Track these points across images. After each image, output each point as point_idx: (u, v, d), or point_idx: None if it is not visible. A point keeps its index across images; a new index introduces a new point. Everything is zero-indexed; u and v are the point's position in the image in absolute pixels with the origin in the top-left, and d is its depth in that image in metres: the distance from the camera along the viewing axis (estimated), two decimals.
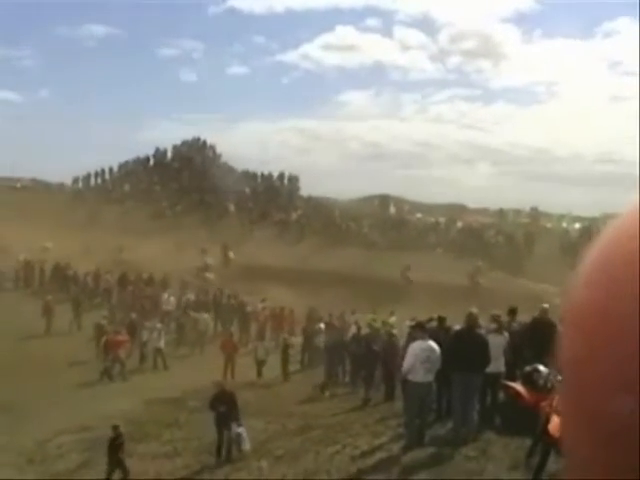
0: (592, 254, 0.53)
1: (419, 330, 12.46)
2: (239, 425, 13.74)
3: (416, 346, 11.88)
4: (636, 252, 0.48)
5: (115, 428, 12.95)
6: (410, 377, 11.73)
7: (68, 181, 60.61)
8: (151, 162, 60.51)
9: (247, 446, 13.59)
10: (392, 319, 23.03)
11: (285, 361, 21.52)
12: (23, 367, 20.34)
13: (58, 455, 14.33)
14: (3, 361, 20.40)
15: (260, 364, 21.88)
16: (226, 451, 13.51)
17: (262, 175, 58.60)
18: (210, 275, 36.08)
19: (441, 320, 14.28)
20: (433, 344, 11.83)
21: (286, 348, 21.84)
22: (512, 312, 13.82)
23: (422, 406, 11.78)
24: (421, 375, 11.57)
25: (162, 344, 23.92)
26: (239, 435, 13.58)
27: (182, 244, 39.41)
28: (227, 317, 28.56)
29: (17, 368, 20.29)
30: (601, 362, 0.49)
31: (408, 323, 19.05)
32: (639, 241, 0.49)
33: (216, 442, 13.66)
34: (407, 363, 11.75)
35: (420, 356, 11.58)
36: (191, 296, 30.44)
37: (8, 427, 16.46)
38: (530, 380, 10.64)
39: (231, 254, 40.10)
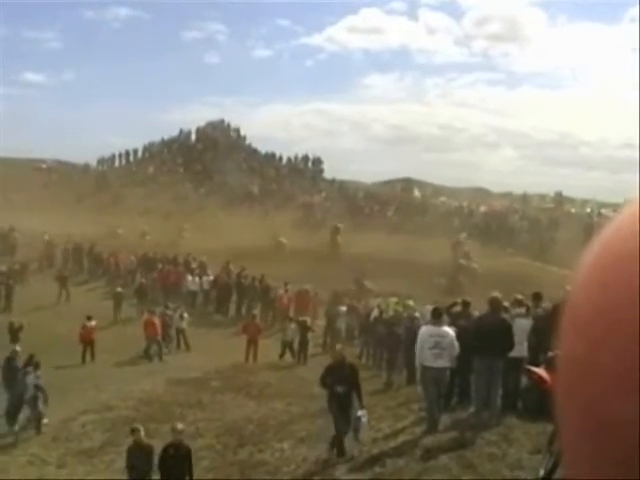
0: (589, 254, 0.53)
1: (432, 316, 12.41)
2: (361, 407, 11.56)
3: (423, 332, 11.90)
4: (633, 253, 0.48)
5: None
6: (421, 362, 11.75)
7: (93, 162, 61.01)
8: (175, 144, 60.63)
9: (363, 434, 11.60)
10: (409, 302, 22.97)
11: (303, 344, 21.51)
12: (53, 346, 20.56)
13: (82, 433, 14.51)
14: (35, 341, 20.65)
15: (287, 345, 21.87)
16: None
17: (286, 157, 58.60)
18: None
19: (465, 304, 14.22)
20: (445, 329, 11.82)
21: (304, 331, 21.76)
22: (536, 297, 13.71)
23: (438, 391, 11.77)
24: (430, 361, 11.54)
25: (184, 325, 24.12)
26: (358, 420, 11.40)
27: (204, 226, 39.53)
28: (250, 299, 28.74)
29: (48, 347, 20.55)
30: (598, 363, 0.48)
31: (428, 307, 19.01)
32: (637, 242, 0.48)
33: (333, 430, 11.51)
34: (416, 349, 11.79)
35: (428, 342, 11.57)
36: (210, 277, 30.49)
37: None
38: (553, 365, 10.56)
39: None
